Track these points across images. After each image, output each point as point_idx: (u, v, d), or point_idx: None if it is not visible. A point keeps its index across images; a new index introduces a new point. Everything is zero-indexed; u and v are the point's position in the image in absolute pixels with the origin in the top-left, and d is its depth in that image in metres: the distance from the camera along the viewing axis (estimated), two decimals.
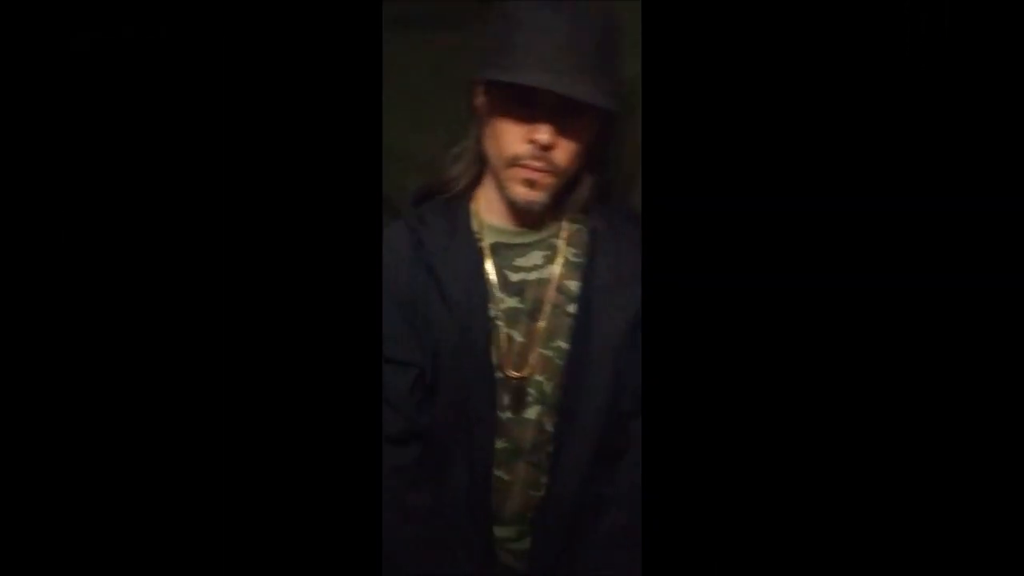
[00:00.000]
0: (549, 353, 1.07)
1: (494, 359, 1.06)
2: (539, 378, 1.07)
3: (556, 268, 1.08)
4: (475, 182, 1.10)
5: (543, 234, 1.09)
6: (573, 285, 1.08)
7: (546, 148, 0.99)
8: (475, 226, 1.09)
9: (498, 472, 1.07)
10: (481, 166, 1.08)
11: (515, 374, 1.06)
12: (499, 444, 1.07)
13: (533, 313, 1.07)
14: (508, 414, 1.07)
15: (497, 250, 1.08)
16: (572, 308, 1.07)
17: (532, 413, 1.07)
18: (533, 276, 1.08)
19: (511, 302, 1.07)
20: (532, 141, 0.99)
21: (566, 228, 1.09)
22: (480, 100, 1.04)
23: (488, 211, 1.09)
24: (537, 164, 1.00)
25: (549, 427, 1.07)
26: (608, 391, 1.06)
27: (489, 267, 1.08)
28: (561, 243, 1.09)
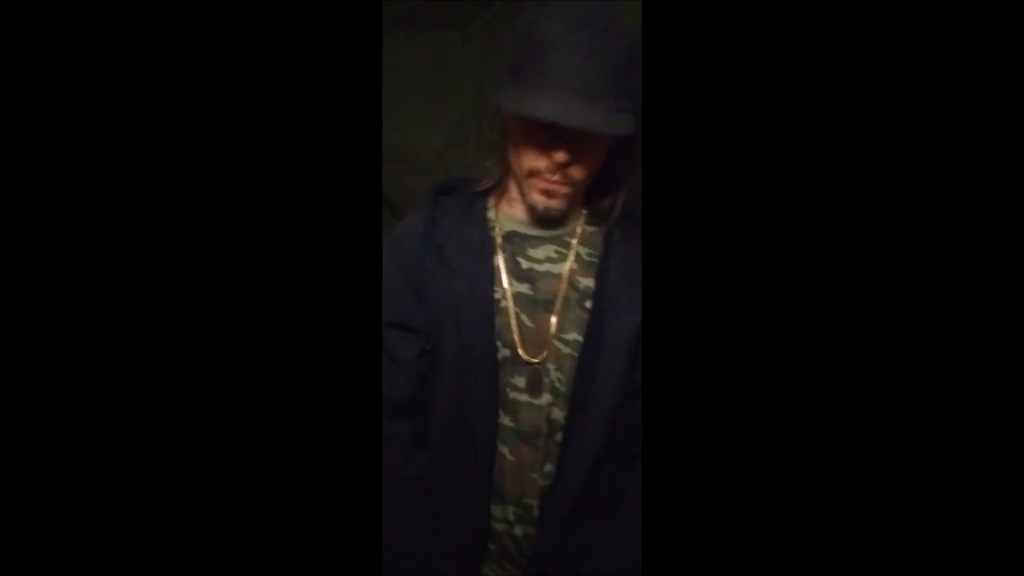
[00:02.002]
0: (562, 345, 1.13)
1: (499, 339, 1.12)
2: (551, 367, 1.12)
3: (568, 264, 1.16)
4: (498, 184, 1.20)
5: (558, 231, 1.18)
6: (586, 282, 1.15)
7: (563, 166, 1.10)
8: (491, 215, 1.19)
9: (502, 448, 1.12)
10: (505, 172, 1.19)
11: (531, 359, 1.12)
12: (505, 422, 1.12)
13: (546, 304, 1.14)
14: (524, 396, 1.12)
15: (509, 238, 1.17)
16: (588, 304, 1.14)
17: (544, 400, 1.12)
18: (544, 268, 1.16)
19: (520, 287, 1.14)
20: (550, 159, 1.10)
21: (581, 229, 1.19)
22: (507, 120, 1.14)
23: (507, 205, 1.19)
24: (554, 177, 1.11)
25: (559, 416, 1.12)
26: (620, 389, 1.11)
27: (499, 251, 1.16)
28: (574, 241, 1.18)
